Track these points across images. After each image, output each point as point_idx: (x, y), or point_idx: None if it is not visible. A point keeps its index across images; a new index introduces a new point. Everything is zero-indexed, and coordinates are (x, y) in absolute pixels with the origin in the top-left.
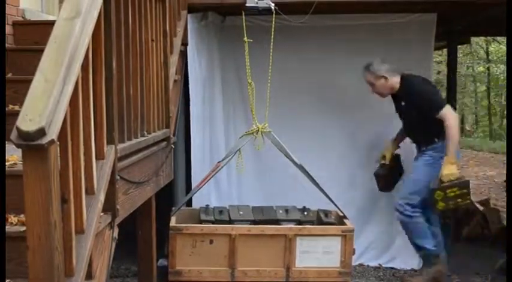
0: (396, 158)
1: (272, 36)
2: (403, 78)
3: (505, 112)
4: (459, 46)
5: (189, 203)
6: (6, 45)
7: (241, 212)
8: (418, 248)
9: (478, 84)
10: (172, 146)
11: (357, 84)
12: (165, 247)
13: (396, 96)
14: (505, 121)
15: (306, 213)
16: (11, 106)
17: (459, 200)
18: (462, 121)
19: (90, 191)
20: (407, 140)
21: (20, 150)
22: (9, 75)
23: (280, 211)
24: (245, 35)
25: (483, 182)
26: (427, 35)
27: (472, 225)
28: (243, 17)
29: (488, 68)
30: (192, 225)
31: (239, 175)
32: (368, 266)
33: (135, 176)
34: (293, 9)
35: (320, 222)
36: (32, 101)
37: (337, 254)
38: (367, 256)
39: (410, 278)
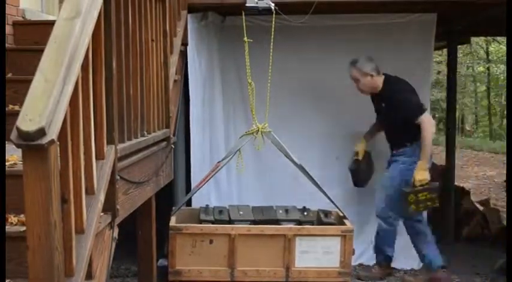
0: (368, 155)
1: (272, 36)
2: (387, 79)
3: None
4: (459, 46)
5: (188, 202)
6: (6, 45)
7: (241, 212)
8: (382, 253)
9: (478, 84)
10: (172, 146)
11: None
12: (165, 247)
13: (377, 96)
14: (505, 121)
15: (305, 213)
16: (11, 106)
17: (429, 203)
18: (462, 121)
19: (90, 191)
20: (379, 136)
21: (20, 150)
22: (9, 75)
23: (280, 211)
24: (245, 35)
25: (483, 182)
26: (427, 35)
27: (472, 225)
28: (243, 17)
29: (488, 68)
30: (192, 225)
31: (239, 175)
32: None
33: (135, 176)
34: (293, 9)
35: (320, 222)
36: (32, 101)
37: (337, 254)
38: (367, 256)
39: (410, 277)
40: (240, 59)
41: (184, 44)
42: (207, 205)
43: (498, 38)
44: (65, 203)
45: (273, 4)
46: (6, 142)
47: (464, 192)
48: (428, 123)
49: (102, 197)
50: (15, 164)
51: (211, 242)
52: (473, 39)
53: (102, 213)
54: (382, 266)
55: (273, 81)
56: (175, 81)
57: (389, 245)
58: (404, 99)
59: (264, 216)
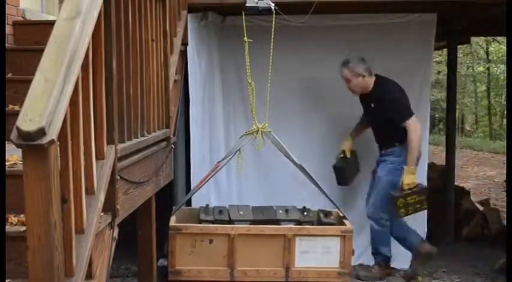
0: (354, 154)
1: (272, 36)
2: (378, 80)
3: (505, 112)
4: (459, 46)
5: (188, 202)
6: (6, 45)
7: (241, 212)
8: (379, 253)
9: (478, 84)
10: (172, 146)
11: None
12: (165, 247)
13: (367, 96)
14: (505, 121)
15: (305, 213)
16: (11, 106)
17: (418, 206)
18: (462, 121)
19: (90, 191)
20: (365, 136)
21: (20, 150)
22: (9, 75)
23: (280, 211)
24: (245, 35)
25: (483, 182)
26: (427, 35)
27: (472, 225)
28: (243, 17)
29: (488, 68)
30: (192, 225)
31: (239, 175)
32: (368, 266)
33: (135, 176)
34: (293, 9)
35: (320, 222)
36: (32, 101)
37: (336, 254)
38: (367, 256)
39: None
40: (240, 59)
41: (184, 44)
42: (207, 205)
43: (498, 38)
44: (65, 203)
45: (273, 4)
46: (6, 142)
47: (464, 192)
48: (414, 127)
49: (102, 197)
50: (15, 164)
51: (211, 241)
52: (473, 39)
53: (102, 213)
54: (382, 266)
55: (273, 81)
56: (175, 81)
57: (385, 245)
58: (394, 100)
59: (264, 216)
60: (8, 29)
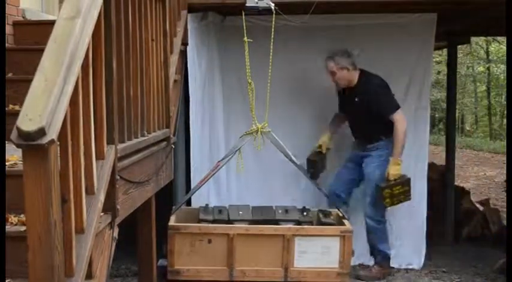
0: (328, 151)
1: (272, 36)
2: (363, 74)
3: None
4: (459, 46)
5: (188, 202)
6: (7, 45)
7: (240, 212)
8: (379, 252)
9: (478, 84)
10: (173, 146)
11: None
12: (164, 247)
13: (351, 90)
14: (505, 121)
15: (305, 213)
16: (11, 106)
17: (402, 197)
18: (462, 121)
19: (90, 191)
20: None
21: (20, 150)
22: (9, 75)
23: (280, 211)
24: (245, 35)
25: (483, 182)
26: (427, 35)
27: (472, 225)
28: (243, 17)
29: (488, 68)
30: (191, 224)
31: (239, 175)
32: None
33: (135, 176)
34: (293, 9)
35: (319, 222)
36: (32, 100)
37: (336, 254)
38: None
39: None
40: (240, 59)
41: (184, 43)
42: (206, 204)
43: (498, 38)
44: (65, 203)
45: (273, 4)
46: (6, 142)
47: (464, 192)
48: (401, 120)
49: (102, 197)
50: (15, 164)
51: (209, 241)
52: (473, 39)
53: (102, 213)
54: (382, 265)
55: (273, 81)
56: (175, 81)
57: (384, 242)
58: (381, 94)
59: (263, 216)
60: (8, 29)
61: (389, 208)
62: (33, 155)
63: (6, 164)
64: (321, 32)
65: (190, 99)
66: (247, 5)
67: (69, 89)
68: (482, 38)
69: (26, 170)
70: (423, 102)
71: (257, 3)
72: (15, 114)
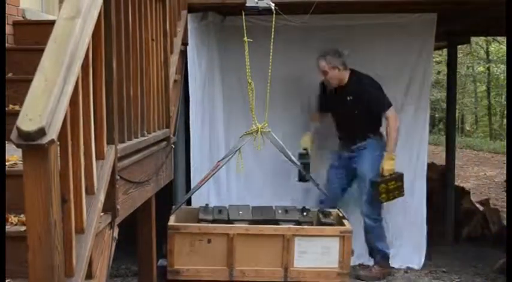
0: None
1: (272, 36)
2: (354, 73)
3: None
4: (459, 46)
5: (188, 202)
6: (7, 45)
7: (240, 212)
8: (378, 251)
9: (478, 84)
10: (173, 146)
11: None
12: (164, 247)
13: (342, 90)
14: (505, 121)
15: (305, 213)
16: (11, 106)
17: (397, 192)
18: (462, 121)
19: (90, 191)
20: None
21: (20, 150)
22: (9, 75)
23: (280, 211)
24: (245, 35)
25: (483, 182)
26: (427, 35)
27: (472, 225)
28: (243, 17)
29: (488, 68)
30: (190, 224)
31: (239, 175)
32: (368, 266)
33: (135, 176)
34: (293, 9)
35: (319, 222)
36: (32, 100)
37: (336, 254)
38: (367, 256)
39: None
40: (240, 59)
41: (184, 43)
42: (206, 204)
43: (498, 38)
44: (65, 203)
45: (273, 4)
46: (6, 142)
47: (464, 192)
48: (395, 116)
49: (102, 197)
50: (15, 164)
51: (209, 241)
52: (473, 39)
53: (102, 213)
54: (382, 265)
55: (273, 81)
56: (175, 81)
57: (382, 241)
58: (375, 92)
59: (263, 216)
60: (8, 29)
61: (389, 208)
62: (33, 155)
63: (6, 164)
64: (321, 32)
65: (190, 99)
66: (247, 5)
67: (69, 89)
68: (482, 38)
69: (26, 170)
70: (423, 102)
71: (257, 3)
72: (15, 114)
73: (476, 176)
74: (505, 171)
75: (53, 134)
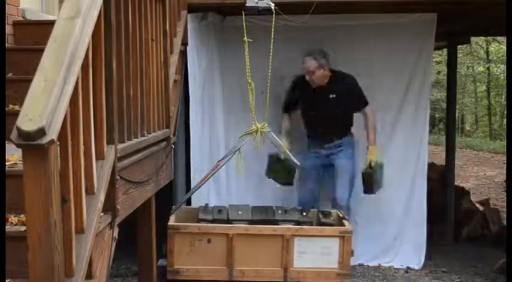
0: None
1: (272, 36)
2: (335, 73)
3: (505, 112)
4: (459, 46)
5: (188, 202)
6: (7, 45)
7: (240, 212)
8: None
9: (478, 84)
10: (173, 146)
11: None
12: (164, 247)
13: (323, 88)
14: (505, 121)
15: (305, 213)
16: (11, 106)
17: (381, 182)
18: (462, 121)
19: (90, 191)
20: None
21: (20, 150)
22: (9, 75)
23: (279, 211)
24: (245, 35)
25: (483, 182)
26: (427, 35)
27: (472, 225)
28: (243, 17)
29: (488, 68)
30: (190, 224)
31: (239, 175)
32: (368, 266)
33: (135, 176)
34: (293, 9)
35: (319, 223)
36: (32, 100)
37: (335, 255)
38: (366, 256)
39: None
40: (240, 59)
41: (184, 44)
42: (206, 204)
43: (498, 38)
44: (65, 203)
45: (273, 4)
46: (7, 142)
47: (464, 192)
48: (373, 111)
49: (102, 197)
50: (15, 164)
51: (209, 241)
52: (473, 39)
53: (102, 213)
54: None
55: (273, 81)
56: (175, 81)
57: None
58: (357, 90)
59: (263, 216)
60: (8, 29)
61: (389, 208)
62: (33, 155)
63: (6, 164)
64: (321, 32)
65: (190, 99)
66: (247, 5)
67: (69, 89)
68: (482, 38)
69: (26, 170)
70: (423, 102)
71: (257, 3)
72: (15, 114)
73: (476, 176)
74: (505, 171)
75: (53, 134)
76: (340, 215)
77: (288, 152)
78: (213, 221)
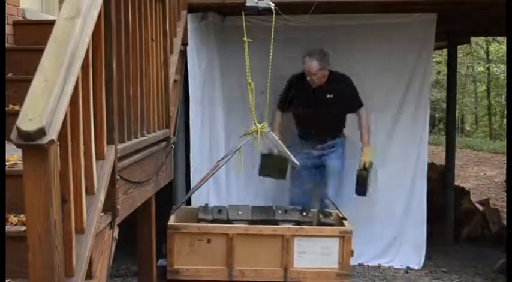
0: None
1: (272, 36)
2: (332, 73)
3: (505, 112)
4: (459, 46)
5: (188, 202)
6: (7, 45)
7: (240, 212)
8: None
9: (478, 84)
10: (173, 146)
11: (358, 83)
12: (164, 247)
13: (321, 88)
14: (505, 121)
15: (305, 214)
16: (11, 106)
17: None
18: (462, 121)
19: (90, 191)
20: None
21: (20, 150)
22: (9, 75)
23: (279, 211)
24: (245, 35)
25: (483, 182)
26: (427, 35)
27: (472, 225)
28: (243, 17)
29: (488, 68)
30: (190, 224)
31: (238, 175)
32: (368, 266)
33: (135, 176)
34: (293, 9)
35: (319, 223)
36: (32, 100)
37: (335, 255)
38: (366, 256)
39: None
40: (239, 59)
41: (184, 44)
42: (206, 204)
43: (498, 38)
44: (65, 203)
45: (273, 4)
46: (6, 142)
47: (464, 192)
48: (367, 112)
49: (102, 197)
50: (15, 164)
51: (209, 241)
52: (473, 39)
53: (102, 213)
54: None
55: (273, 81)
56: (175, 81)
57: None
58: (354, 90)
59: (263, 216)
60: (8, 29)
61: (389, 207)
62: (33, 155)
63: (6, 164)
64: (321, 32)
65: (190, 99)
66: (247, 5)
67: (69, 89)
68: (482, 38)
69: (26, 170)
70: (423, 101)
71: (257, 3)
72: (15, 114)
73: (476, 176)
74: (505, 171)
75: (53, 134)
76: (341, 215)
77: (288, 151)
78: (213, 221)
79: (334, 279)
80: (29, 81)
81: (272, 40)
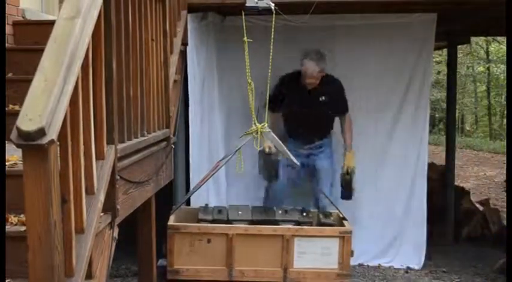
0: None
1: (272, 36)
2: (327, 75)
3: (505, 112)
4: (459, 46)
5: (188, 202)
6: (7, 45)
7: (240, 212)
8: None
9: (478, 84)
10: (173, 146)
11: (358, 83)
12: (164, 247)
13: (315, 90)
14: (505, 121)
15: (305, 214)
16: (11, 106)
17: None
18: (462, 121)
19: (90, 191)
20: None
21: (20, 150)
22: (9, 75)
23: (279, 212)
24: (245, 35)
25: (483, 182)
26: (427, 35)
27: (472, 225)
28: (243, 17)
29: (488, 68)
30: (190, 224)
31: (238, 175)
32: (368, 266)
33: (135, 176)
34: (293, 9)
35: (319, 223)
36: (32, 100)
37: (335, 255)
38: (366, 256)
39: None
40: (239, 59)
41: (184, 44)
42: (206, 204)
43: (498, 38)
44: (65, 203)
45: (273, 4)
46: (6, 142)
47: (464, 192)
48: (349, 118)
49: (102, 197)
50: (15, 164)
51: (209, 241)
52: (473, 39)
53: (102, 213)
54: None
55: (273, 81)
56: (175, 81)
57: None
58: (344, 95)
59: (263, 217)
60: (8, 29)
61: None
62: (33, 155)
63: (6, 164)
64: (321, 32)
65: (190, 99)
66: (247, 5)
67: (69, 89)
68: (482, 38)
69: (26, 170)
70: (423, 101)
71: (257, 3)
72: (15, 114)
73: (476, 176)
74: (505, 171)
75: (53, 134)
76: (341, 216)
77: (287, 151)
78: (213, 221)
79: (334, 280)
80: (29, 81)
81: (272, 40)
